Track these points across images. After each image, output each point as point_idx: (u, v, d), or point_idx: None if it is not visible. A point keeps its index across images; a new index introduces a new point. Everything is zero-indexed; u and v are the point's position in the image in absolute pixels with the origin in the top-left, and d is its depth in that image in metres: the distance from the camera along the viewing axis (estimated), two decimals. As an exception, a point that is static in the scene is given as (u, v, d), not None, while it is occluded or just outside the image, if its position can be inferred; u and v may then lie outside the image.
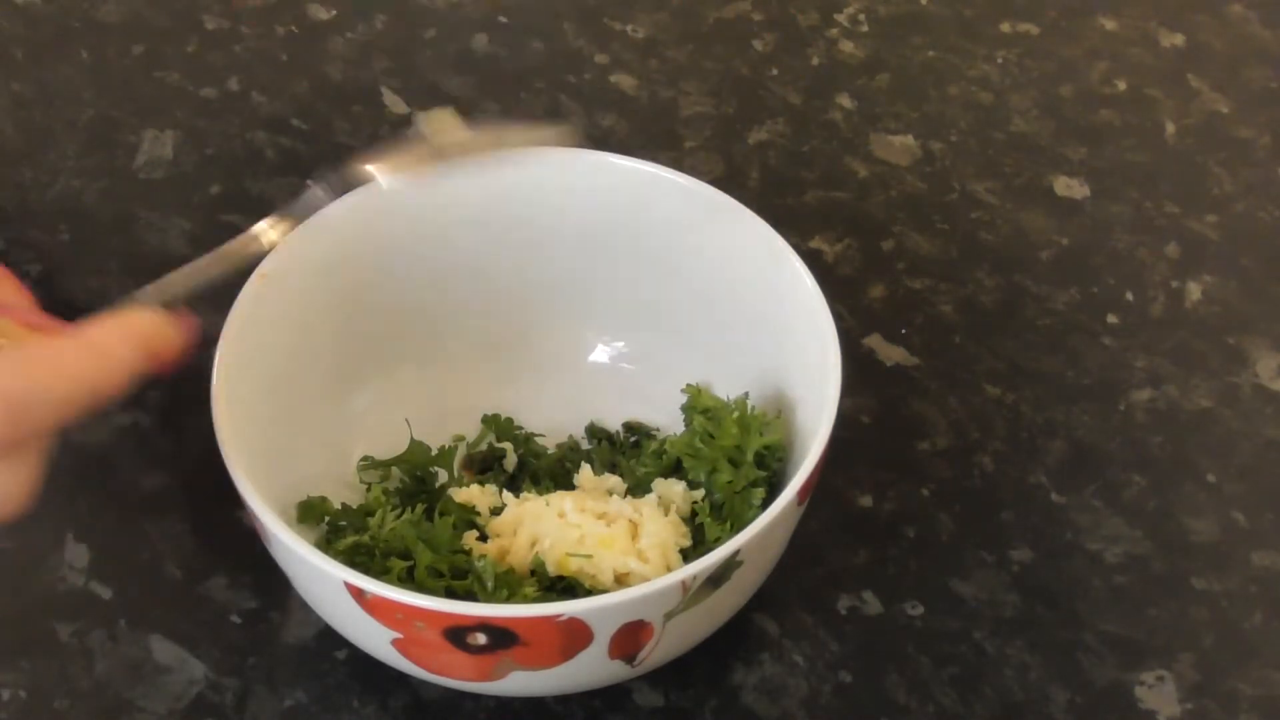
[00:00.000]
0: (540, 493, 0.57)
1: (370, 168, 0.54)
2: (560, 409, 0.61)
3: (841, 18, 0.82)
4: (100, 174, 0.73)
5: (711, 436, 0.56)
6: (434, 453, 0.59)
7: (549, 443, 0.61)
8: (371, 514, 0.55)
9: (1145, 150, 0.76)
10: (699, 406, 0.57)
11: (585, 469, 0.58)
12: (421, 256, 0.60)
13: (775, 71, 0.79)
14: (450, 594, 0.52)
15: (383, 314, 0.61)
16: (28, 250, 0.70)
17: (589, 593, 0.52)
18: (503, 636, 0.48)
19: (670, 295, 0.61)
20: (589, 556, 0.52)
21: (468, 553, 0.54)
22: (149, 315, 0.46)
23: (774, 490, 0.55)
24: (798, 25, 0.82)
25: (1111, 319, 0.69)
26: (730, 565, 0.49)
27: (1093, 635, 0.58)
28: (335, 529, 0.55)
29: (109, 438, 0.63)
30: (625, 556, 0.53)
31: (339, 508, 0.56)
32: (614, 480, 0.57)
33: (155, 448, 0.62)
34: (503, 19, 0.82)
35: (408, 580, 0.52)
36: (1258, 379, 0.66)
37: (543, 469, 0.60)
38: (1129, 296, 0.69)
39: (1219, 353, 0.67)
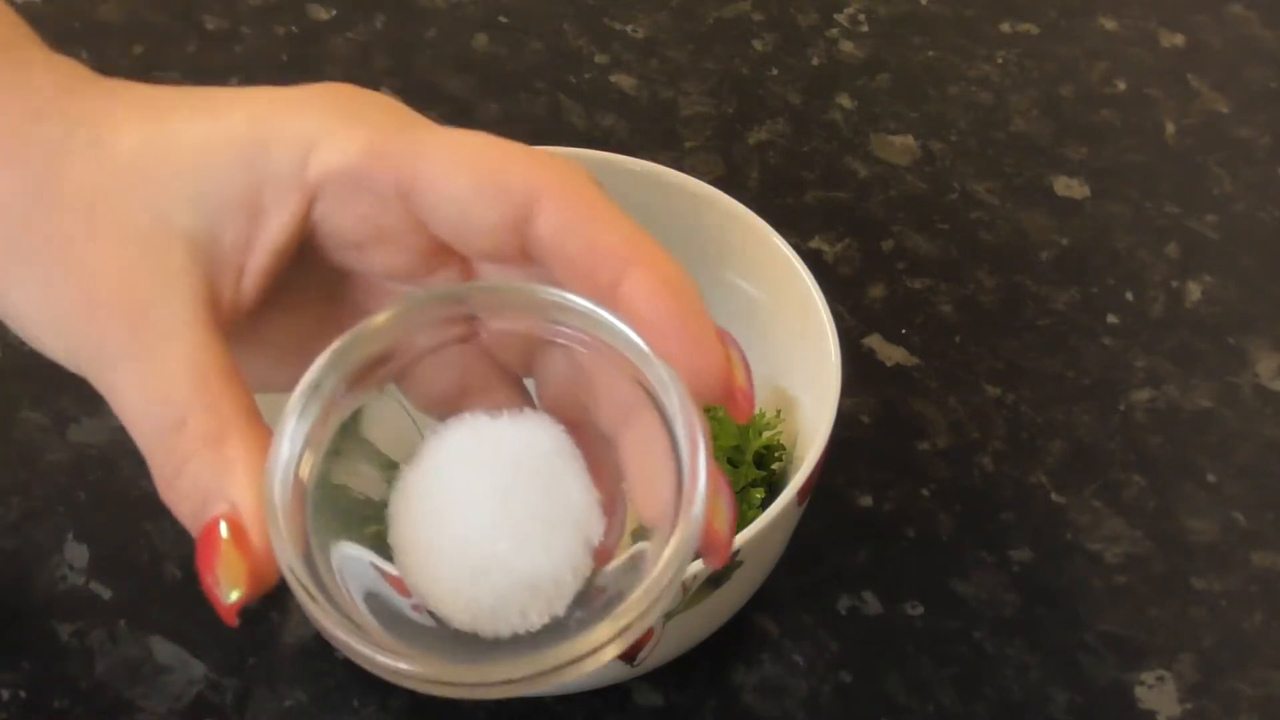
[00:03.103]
0: (540, 493, 0.57)
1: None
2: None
3: (841, 18, 0.83)
4: (100, 174, 0.73)
5: (711, 436, 0.56)
6: (434, 453, 0.59)
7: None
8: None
9: (1145, 150, 0.76)
10: (699, 406, 0.57)
11: (585, 469, 0.57)
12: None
13: (775, 71, 0.79)
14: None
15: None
16: (28, 250, 0.70)
17: (589, 593, 0.52)
18: (503, 636, 0.48)
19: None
20: (589, 556, 0.52)
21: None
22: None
23: (774, 490, 0.55)
24: (798, 25, 0.82)
25: (1111, 319, 0.69)
26: (730, 565, 0.49)
27: (1093, 635, 0.58)
28: (335, 529, 0.55)
29: (109, 438, 0.63)
30: (625, 556, 0.53)
31: (339, 508, 0.56)
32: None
33: (155, 448, 0.62)
34: (503, 19, 0.82)
35: (408, 580, 0.52)
36: (1258, 379, 0.66)
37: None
38: (1129, 296, 0.69)
39: (1219, 353, 0.67)
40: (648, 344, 0.34)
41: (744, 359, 0.35)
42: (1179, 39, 0.82)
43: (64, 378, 0.66)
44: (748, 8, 0.83)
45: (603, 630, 0.32)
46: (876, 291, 0.69)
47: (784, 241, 0.57)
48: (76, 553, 0.59)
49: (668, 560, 0.32)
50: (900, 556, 0.60)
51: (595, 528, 0.35)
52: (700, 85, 0.78)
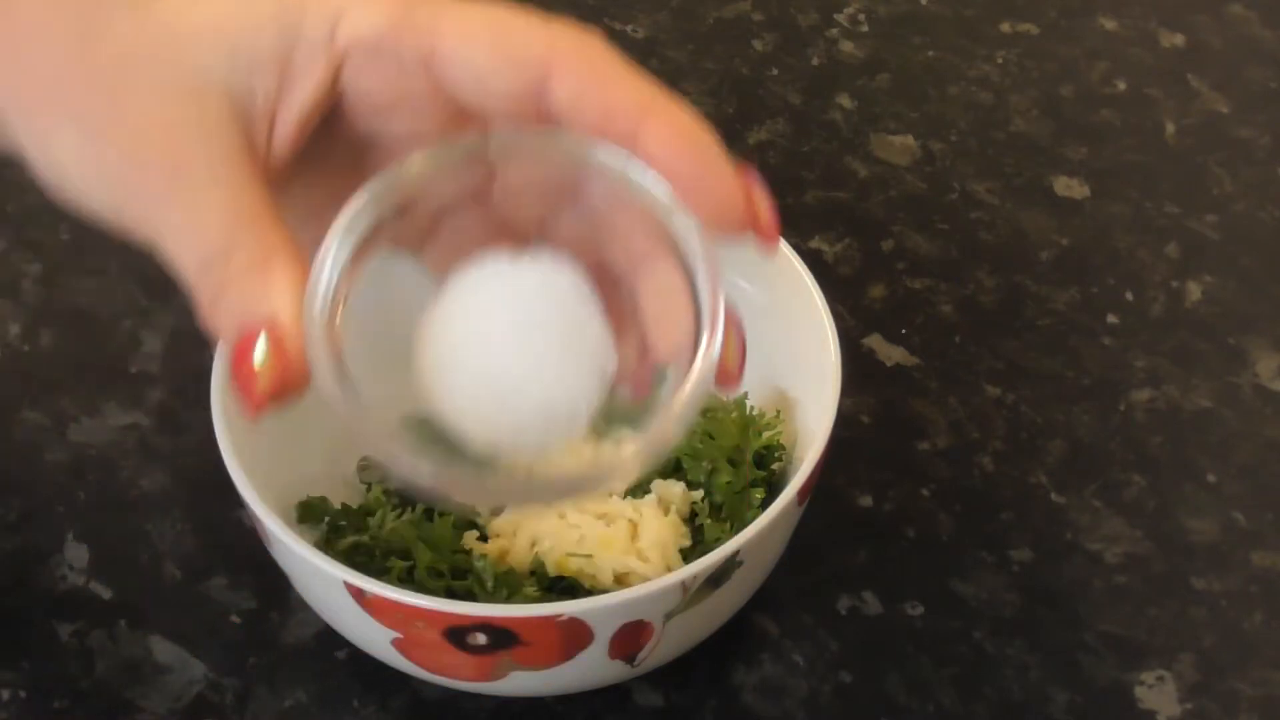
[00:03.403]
0: (540, 493, 0.57)
1: None
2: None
3: (841, 18, 0.83)
4: (100, 174, 0.73)
5: (711, 437, 0.56)
6: (434, 453, 0.59)
7: (549, 443, 0.61)
8: (371, 514, 0.55)
9: (1145, 150, 0.76)
10: (699, 406, 0.57)
11: (585, 469, 0.57)
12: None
13: (775, 71, 0.79)
14: (450, 594, 0.52)
15: (383, 313, 0.61)
16: (28, 250, 0.70)
17: (589, 593, 0.52)
18: (503, 636, 0.48)
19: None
20: (589, 556, 0.52)
21: (468, 553, 0.54)
22: None
23: (774, 490, 0.55)
24: (798, 25, 0.82)
25: (1111, 319, 0.69)
26: (730, 565, 0.49)
27: (1093, 635, 0.58)
28: (335, 529, 0.55)
29: (109, 438, 0.63)
30: (625, 556, 0.53)
31: (339, 508, 0.56)
32: (614, 480, 0.57)
33: (155, 448, 0.63)
34: (503, 19, 0.82)
35: (408, 580, 0.52)
36: (1258, 379, 0.66)
37: (543, 469, 0.60)
38: (1129, 296, 0.69)
39: (1219, 353, 0.67)
40: (667, 185, 0.36)
41: (767, 194, 0.38)
42: (1179, 39, 0.82)
43: (64, 378, 0.67)
44: (748, 8, 0.83)
45: (628, 445, 0.35)
46: (876, 291, 0.69)
47: (784, 241, 0.57)
48: (76, 553, 0.59)
49: (693, 384, 0.36)
50: (900, 556, 0.60)
51: (609, 361, 0.37)
52: (700, 85, 0.78)
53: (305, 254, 0.37)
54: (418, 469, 0.35)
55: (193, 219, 0.37)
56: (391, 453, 0.35)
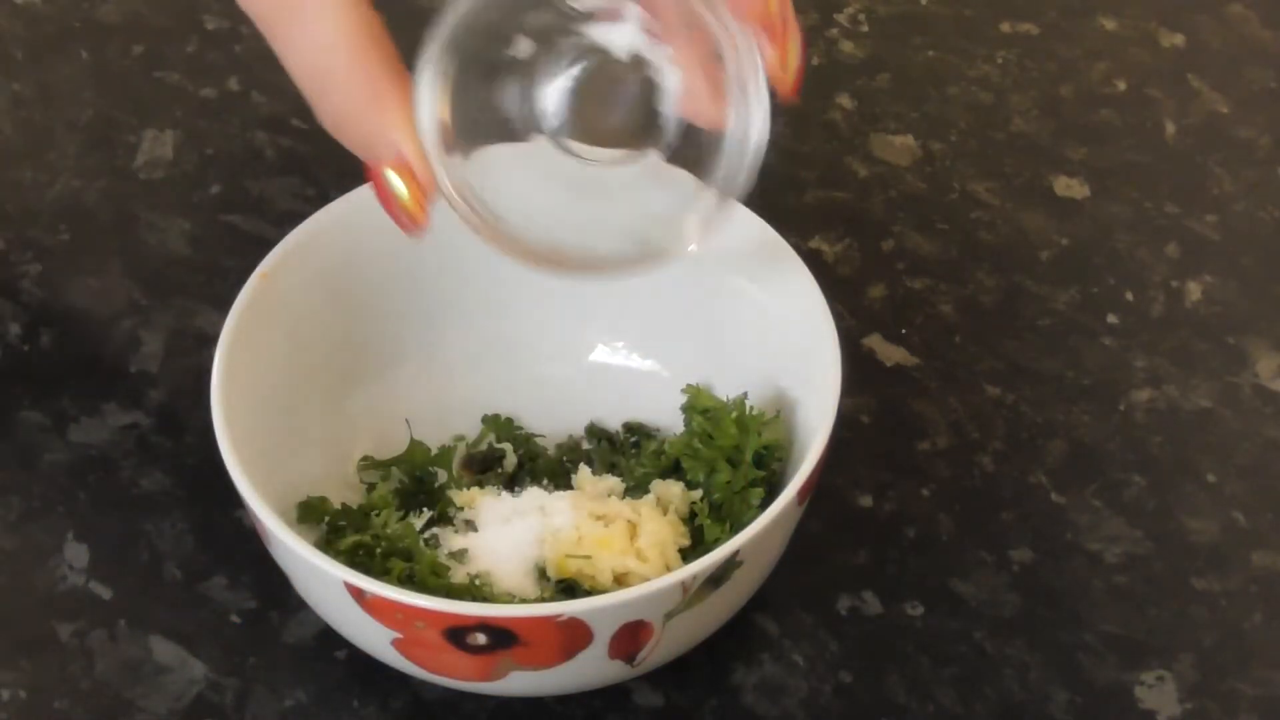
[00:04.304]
0: (540, 493, 0.57)
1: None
2: (560, 409, 0.62)
3: (841, 18, 0.82)
4: (100, 174, 0.73)
5: (710, 437, 0.56)
6: (434, 453, 0.59)
7: (549, 443, 0.61)
8: (375, 513, 0.55)
9: (1145, 150, 0.76)
10: (698, 406, 0.57)
11: (584, 469, 0.58)
12: (422, 256, 0.60)
13: (775, 71, 0.79)
14: (450, 594, 0.52)
15: (383, 314, 0.61)
16: (28, 250, 0.70)
17: (589, 593, 0.52)
18: (503, 636, 0.48)
19: (670, 295, 0.61)
20: (588, 558, 0.52)
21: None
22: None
23: (773, 490, 0.55)
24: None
25: (1111, 319, 0.69)
26: (730, 565, 0.49)
27: (1093, 635, 0.58)
28: (335, 529, 0.56)
29: (109, 438, 0.63)
30: (624, 557, 0.53)
31: (339, 508, 0.56)
32: (613, 481, 0.57)
33: (155, 448, 0.63)
34: (503, 19, 0.82)
35: (408, 581, 0.52)
36: (1258, 379, 0.66)
37: (542, 469, 0.60)
38: (1129, 296, 0.69)
39: (1219, 353, 0.67)
40: None
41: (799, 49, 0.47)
42: (1179, 39, 0.82)
43: (64, 377, 0.67)
44: (748, 8, 0.83)
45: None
46: (876, 291, 0.69)
47: (784, 241, 0.57)
48: (76, 553, 0.59)
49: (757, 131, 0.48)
50: (900, 556, 0.60)
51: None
52: (700, 85, 0.78)
53: (406, 75, 0.44)
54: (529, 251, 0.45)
55: (304, 54, 0.45)
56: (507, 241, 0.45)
